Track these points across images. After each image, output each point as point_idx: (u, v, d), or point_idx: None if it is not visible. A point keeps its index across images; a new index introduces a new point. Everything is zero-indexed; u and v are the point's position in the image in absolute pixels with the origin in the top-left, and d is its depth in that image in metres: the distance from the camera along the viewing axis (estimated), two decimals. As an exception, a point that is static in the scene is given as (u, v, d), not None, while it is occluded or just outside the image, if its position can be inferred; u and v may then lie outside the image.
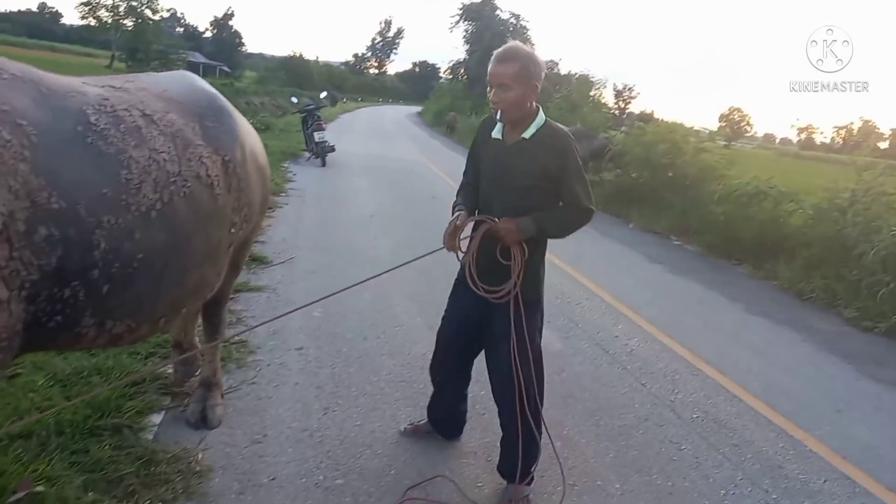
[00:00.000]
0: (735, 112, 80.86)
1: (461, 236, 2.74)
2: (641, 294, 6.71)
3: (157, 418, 3.12)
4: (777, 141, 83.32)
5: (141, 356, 3.64)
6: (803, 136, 77.77)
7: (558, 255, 7.69)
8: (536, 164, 2.66)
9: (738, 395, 4.35)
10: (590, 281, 6.84)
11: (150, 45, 47.55)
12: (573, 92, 31.97)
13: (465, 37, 46.35)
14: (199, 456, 2.85)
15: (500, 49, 2.67)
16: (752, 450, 3.64)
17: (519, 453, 2.74)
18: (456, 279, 3.01)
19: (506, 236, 2.63)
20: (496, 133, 2.80)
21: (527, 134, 2.69)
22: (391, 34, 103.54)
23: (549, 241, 2.84)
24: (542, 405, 2.86)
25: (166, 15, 53.89)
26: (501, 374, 2.81)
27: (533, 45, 43.91)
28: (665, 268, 8.13)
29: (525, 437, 2.75)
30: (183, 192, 2.16)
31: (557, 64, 46.29)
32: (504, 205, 2.71)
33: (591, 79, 35.38)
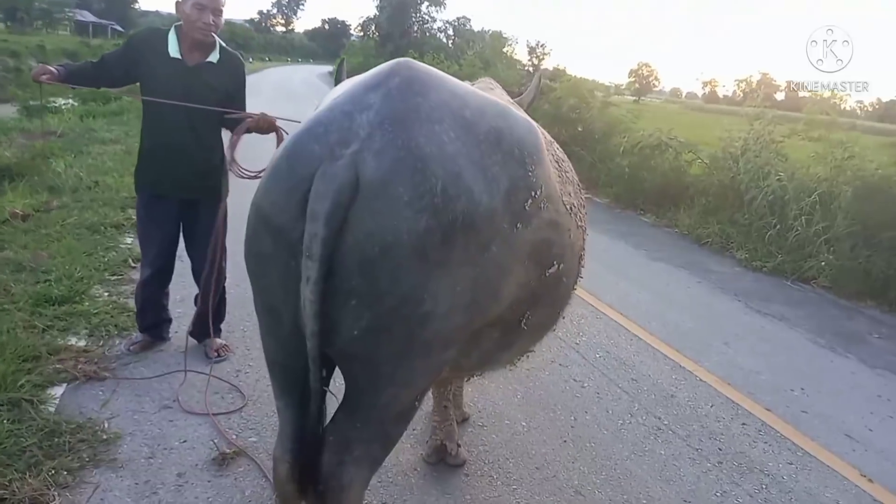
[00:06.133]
0: (643, 67, 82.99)
1: None
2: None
3: (58, 391, 3.03)
4: (683, 95, 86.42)
5: (38, 329, 3.49)
6: (707, 89, 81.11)
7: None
8: (221, 84, 3.18)
9: (637, 335, 4.65)
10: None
11: (32, 2, 43.80)
12: (486, 49, 31.85)
13: (375, -9, 45.18)
14: (106, 424, 2.81)
15: None
16: (648, 383, 3.92)
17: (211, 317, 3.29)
18: (152, 196, 3.29)
19: (265, 124, 3.12)
20: (174, 52, 3.10)
21: (213, 58, 3.18)
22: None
23: None
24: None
25: (50, -31, 49.42)
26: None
27: (444, 3, 43.44)
28: (574, 219, 8.39)
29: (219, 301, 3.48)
30: None
31: (469, 21, 46.11)
32: (191, 116, 3.07)
33: (504, 35, 35.20)
